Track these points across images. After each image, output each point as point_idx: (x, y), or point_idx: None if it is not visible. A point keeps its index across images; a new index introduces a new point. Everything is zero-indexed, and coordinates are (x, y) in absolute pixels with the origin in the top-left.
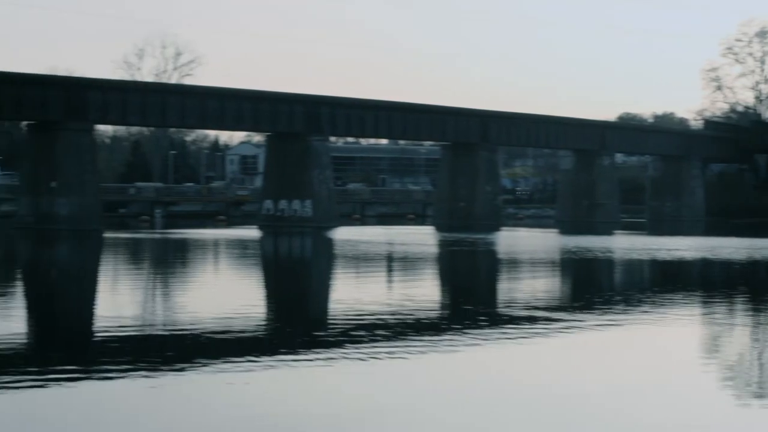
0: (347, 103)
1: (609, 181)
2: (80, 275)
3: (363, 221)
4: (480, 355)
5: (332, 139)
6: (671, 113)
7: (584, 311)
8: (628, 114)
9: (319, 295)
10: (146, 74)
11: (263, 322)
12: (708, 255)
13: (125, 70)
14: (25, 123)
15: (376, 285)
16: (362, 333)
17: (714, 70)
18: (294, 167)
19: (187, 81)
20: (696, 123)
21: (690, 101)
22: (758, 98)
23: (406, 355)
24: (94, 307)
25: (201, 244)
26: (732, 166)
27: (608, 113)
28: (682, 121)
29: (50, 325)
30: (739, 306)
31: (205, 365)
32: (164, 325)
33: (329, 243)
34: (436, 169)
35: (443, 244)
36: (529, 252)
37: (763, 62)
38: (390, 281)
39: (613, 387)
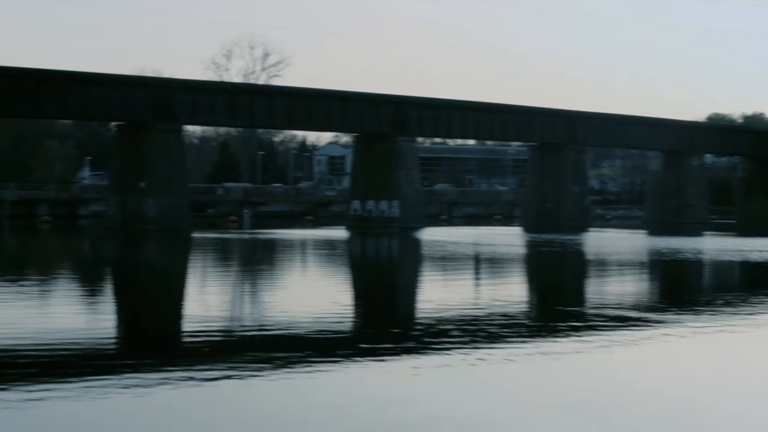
0: (434, 103)
1: (698, 182)
2: (168, 275)
3: (450, 222)
4: (584, 358)
5: (419, 139)
6: (761, 113)
7: (682, 313)
8: (717, 114)
9: (407, 295)
10: (234, 75)
11: (353, 322)
12: None
13: (213, 71)
14: (114, 124)
15: (465, 286)
16: (460, 334)
17: None
18: (381, 168)
19: (275, 82)
20: None
21: None
22: None
23: (512, 357)
24: (182, 306)
25: (289, 245)
26: None
27: (697, 114)
28: None
29: (138, 325)
30: None
31: (296, 365)
32: (252, 324)
33: (417, 243)
34: (524, 170)
35: (531, 245)
36: (618, 253)
37: None
38: (478, 282)
39: (733, 390)
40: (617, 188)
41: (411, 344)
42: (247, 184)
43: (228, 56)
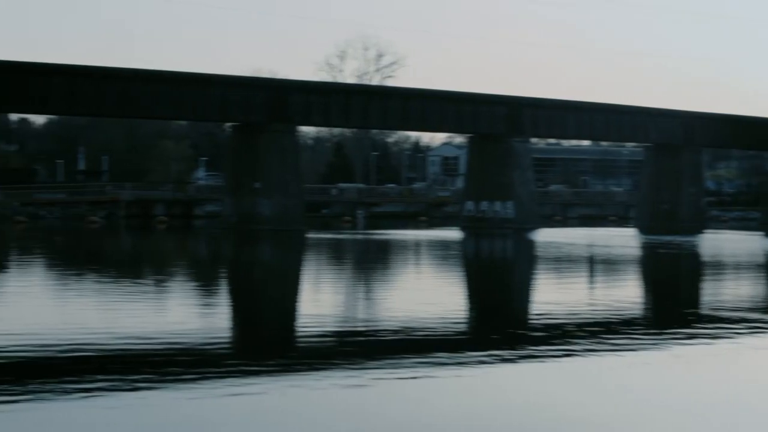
0: (549, 104)
1: None
2: (283, 275)
3: (564, 223)
4: (716, 361)
5: (533, 140)
6: None
7: None
8: None
9: (523, 296)
10: (348, 76)
11: (468, 321)
12: None
13: (327, 72)
14: (229, 125)
15: (581, 287)
16: (584, 335)
17: None
18: (495, 168)
19: (389, 83)
20: None
21: None
22: None
23: (646, 361)
24: (297, 305)
25: (403, 245)
26: None
27: None
28: None
29: (254, 323)
30: None
31: (411, 364)
32: (367, 323)
33: (531, 244)
34: (639, 171)
35: (647, 247)
36: (735, 255)
37: None
38: (594, 283)
39: None
40: (733, 189)
41: (534, 346)
42: (361, 185)
43: (342, 57)
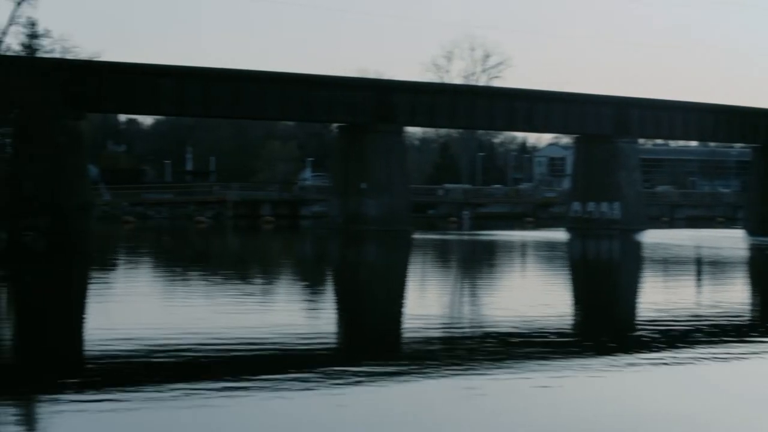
0: (656, 104)
1: None
2: (389, 275)
3: (671, 224)
4: None
5: (641, 140)
6: None
7: None
8: None
9: (631, 297)
10: (455, 77)
11: (576, 323)
12: None
13: (434, 72)
14: (335, 125)
15: (690, 289)
16: (702, 337)
17: None
18: (602, 169)
19: (495, 83)
20: None
21: None
22: None
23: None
24: (403, 306)
25: (508, 246)
26: None
27: None
28: None
29: (358, 324)
30: None
31: (518, 367)
32: (472, 325)
33: (638, 246)
34: (747, 172)
35: (755, 248)
36: None
37: None
38: (702, 285)
39: None
40: None
41: (650, 352)
42: (467, 186)
43: (448, 58)
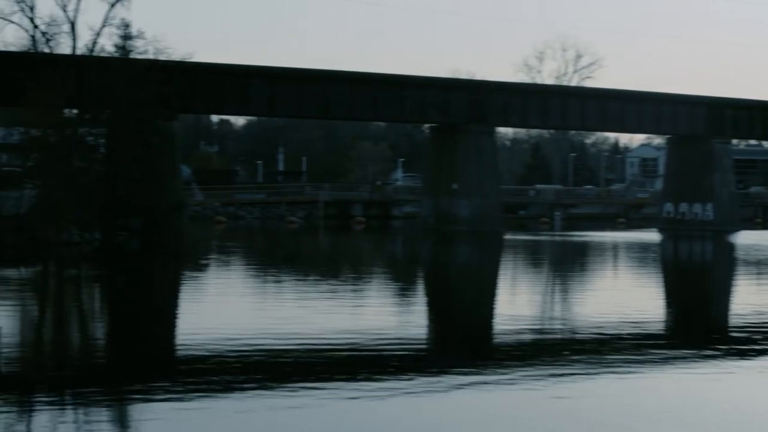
0: (751, 104)
1: None
2: (480, 276)
3: (765, 225)
4: None
5: (734, 141)
6: None
7: None
8: None
9: (724, 299)
10: (546, 77)
11: (668, 325)
12: None
13: (525, 72)
14: (426, 126)
15: None
16: None
17: None
18: (695, 170)
19: (587, 83)
20: None
21: None
22: None
23: None
24: (494, 307)
25: (600, 247)
26: None
27: None
28: None
29: (450, 325)
30: None
31: (606, 368)
32: (563, 326)
33: (731, 247)
34: None
35: None
36: None
37: None
38: None
39: None
40: None
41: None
42: (559, 186)
43: (540, 58)
